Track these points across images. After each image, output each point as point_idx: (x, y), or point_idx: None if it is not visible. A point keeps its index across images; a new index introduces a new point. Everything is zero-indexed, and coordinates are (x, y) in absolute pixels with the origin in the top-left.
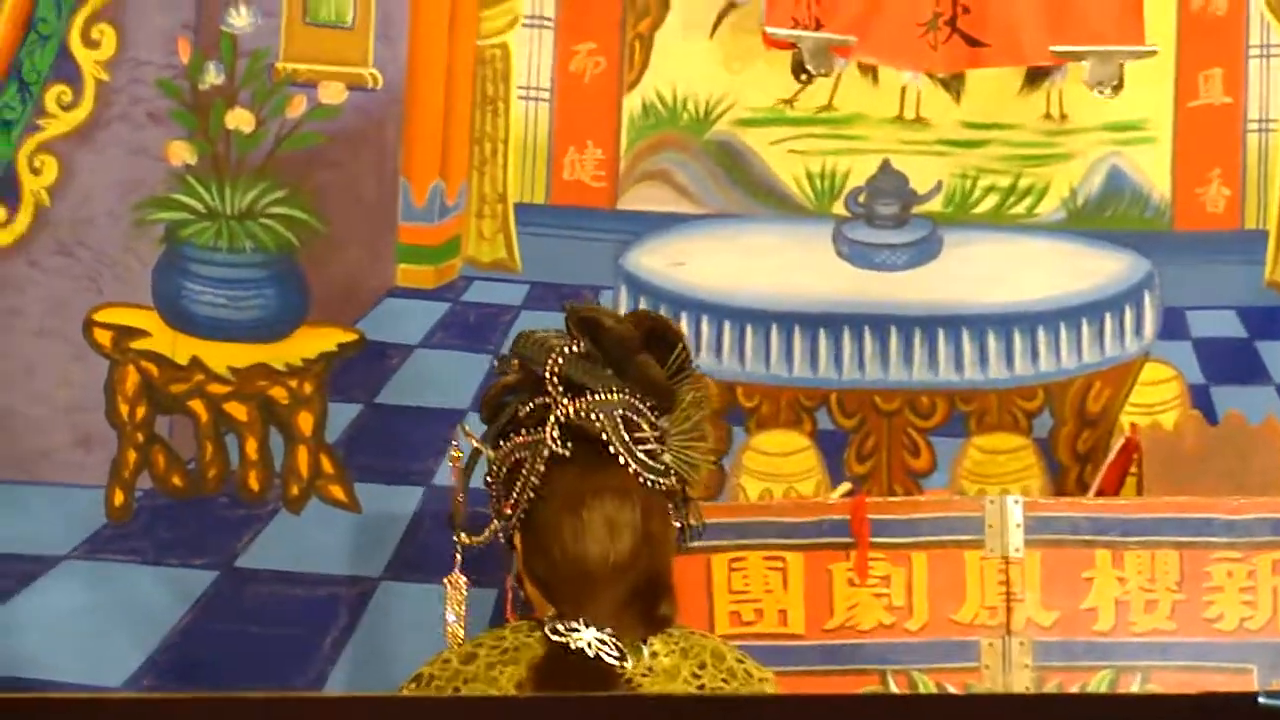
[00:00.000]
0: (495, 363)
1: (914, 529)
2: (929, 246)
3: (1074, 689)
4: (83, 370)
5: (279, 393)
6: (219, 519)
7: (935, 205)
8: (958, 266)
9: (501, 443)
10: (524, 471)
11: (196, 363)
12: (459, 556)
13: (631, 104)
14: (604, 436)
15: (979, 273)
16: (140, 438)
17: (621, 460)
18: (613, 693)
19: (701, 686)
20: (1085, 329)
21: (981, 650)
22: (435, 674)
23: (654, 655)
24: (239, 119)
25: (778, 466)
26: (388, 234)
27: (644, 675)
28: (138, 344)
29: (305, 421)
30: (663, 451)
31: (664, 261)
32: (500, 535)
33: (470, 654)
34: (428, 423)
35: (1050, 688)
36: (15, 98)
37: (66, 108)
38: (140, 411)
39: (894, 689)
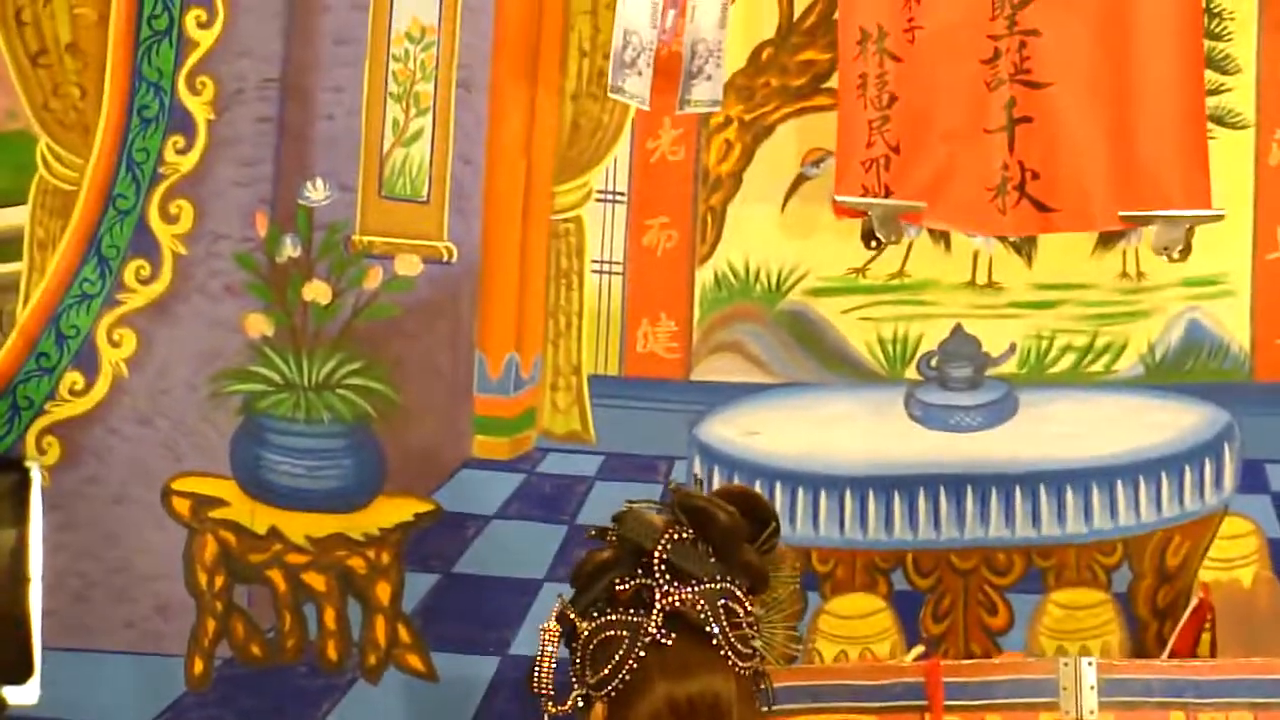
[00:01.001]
0: (591, 531)
1: (988, 691)
2: (1004, 407)
3: None
4: (162, 539)
5: (357, 563)
6: (298, 688)
7: (1010, 367)
8: (1035, 425)
9: (595, 615)
10: (620, 652)
11: (275, 532)
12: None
13: (704, 276)
14: (709, 629)
15: (1056, 430)
16: (219, 606)
17: (722, 653)
18: None
19: None
20: (1164, 483)
21: None
22: None
23: None
24: (316, 291)
25: (853, 629)
26: (464, 405)
27: None
28: (216, 513)
29: (383, 591)
30: (754, 636)
31: (738, 431)
32: (579, 702)
33: None
34: (503, 592)
35: None
36: (95, 272)
37: (145, 281)
38: (219, 580)
39: None
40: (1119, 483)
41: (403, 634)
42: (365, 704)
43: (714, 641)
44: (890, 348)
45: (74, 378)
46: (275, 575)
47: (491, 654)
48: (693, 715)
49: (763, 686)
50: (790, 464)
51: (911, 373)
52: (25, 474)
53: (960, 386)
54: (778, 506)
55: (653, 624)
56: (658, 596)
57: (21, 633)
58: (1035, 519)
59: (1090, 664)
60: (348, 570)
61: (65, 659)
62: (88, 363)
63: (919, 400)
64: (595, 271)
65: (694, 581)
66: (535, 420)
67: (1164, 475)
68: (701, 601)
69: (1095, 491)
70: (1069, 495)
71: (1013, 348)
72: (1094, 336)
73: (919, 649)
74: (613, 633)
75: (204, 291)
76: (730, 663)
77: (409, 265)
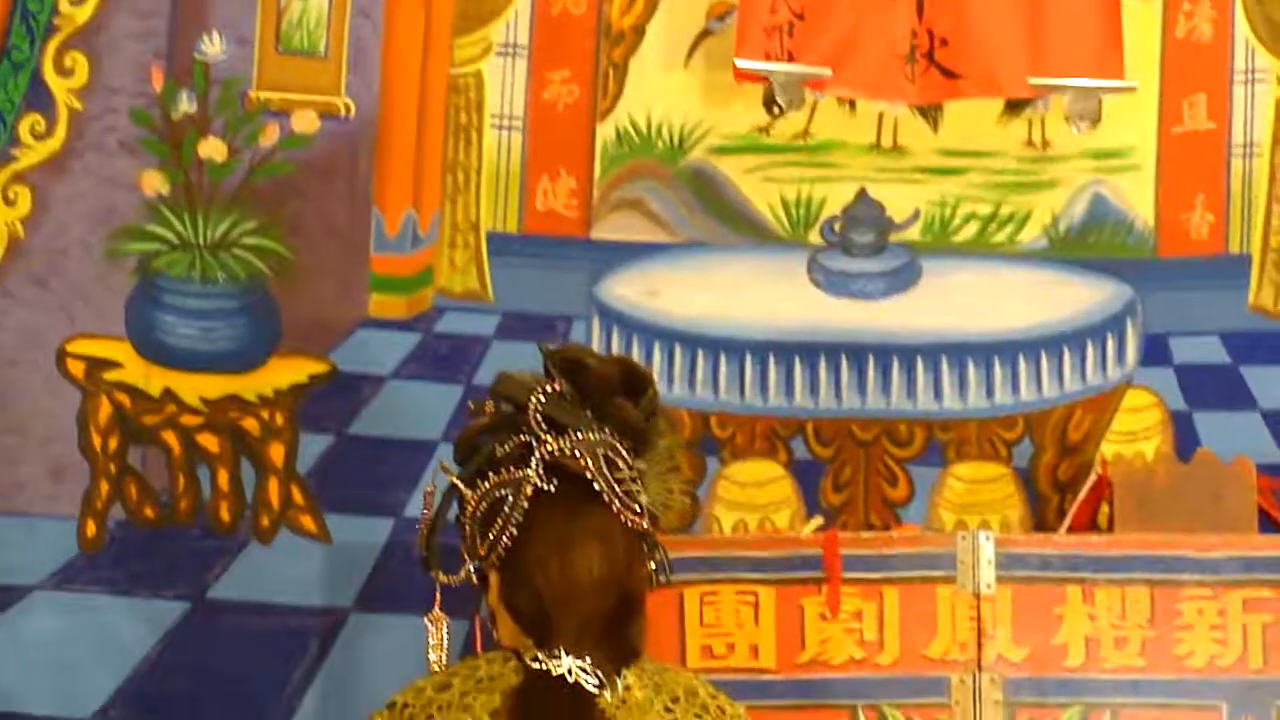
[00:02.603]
0: (470, 404)
1: (886, 564)
2: (907, 275)
3: None
4: (55, 401)
5: (250, 424)
6: (191, 550)
7: (914, 234)
8: (937, 295)
9: (479, 482)
10: (505, 509)
11: (169, 394)
12: (439, 595)
13: (605, 132)
14: (588, 474)
15: (959, 301)
16: (113, 469)
17: (605, 498)
18: None
19: None
20: (1067, 357)
21: (952, 686)
22: (409, 702)
23: (627, 689)
24: (211, 148)
25: (752, 496)
26: (360, 264)
27: (617, 708)
28: (110, 375)
29: (276, 453)
30: (639, 492)
31: (638, 291)
32: (473, 573)
33: (444, 683)
34: (399, 454)
35: None
36: None
37: (40, 137)
38: (113, 443)
39: None
40: (1021, 357)
41: (296, 496)
42: (257, 565)
43: (595, 486)
44: (793, 210)
45: None
46: (169, 437)
47: (386, 516)
48: (583, 559)
49: (656, 556)
50: (690, 326)
51: (815, 236)
52: None
53: (863, 252)
54: (677, 369)
55: (533, 474)
56: (535, 447)
57: None
58: (937, 391)
59: (988, 538)
60: (241, 431)
61: None
62: None
63: (821, 265)
64: (495, 127)
65: (570, 431)
66: (432, 279)
67: (1066, 350)
68: (580, 449)
69: (997, 365)
70: (970, 368)
71: (916, 214)
72: (998, 206)
73: (817, 521)
74: (498, 494)
75: (100, 148)
76: (615, 510)
77: (306, 122)
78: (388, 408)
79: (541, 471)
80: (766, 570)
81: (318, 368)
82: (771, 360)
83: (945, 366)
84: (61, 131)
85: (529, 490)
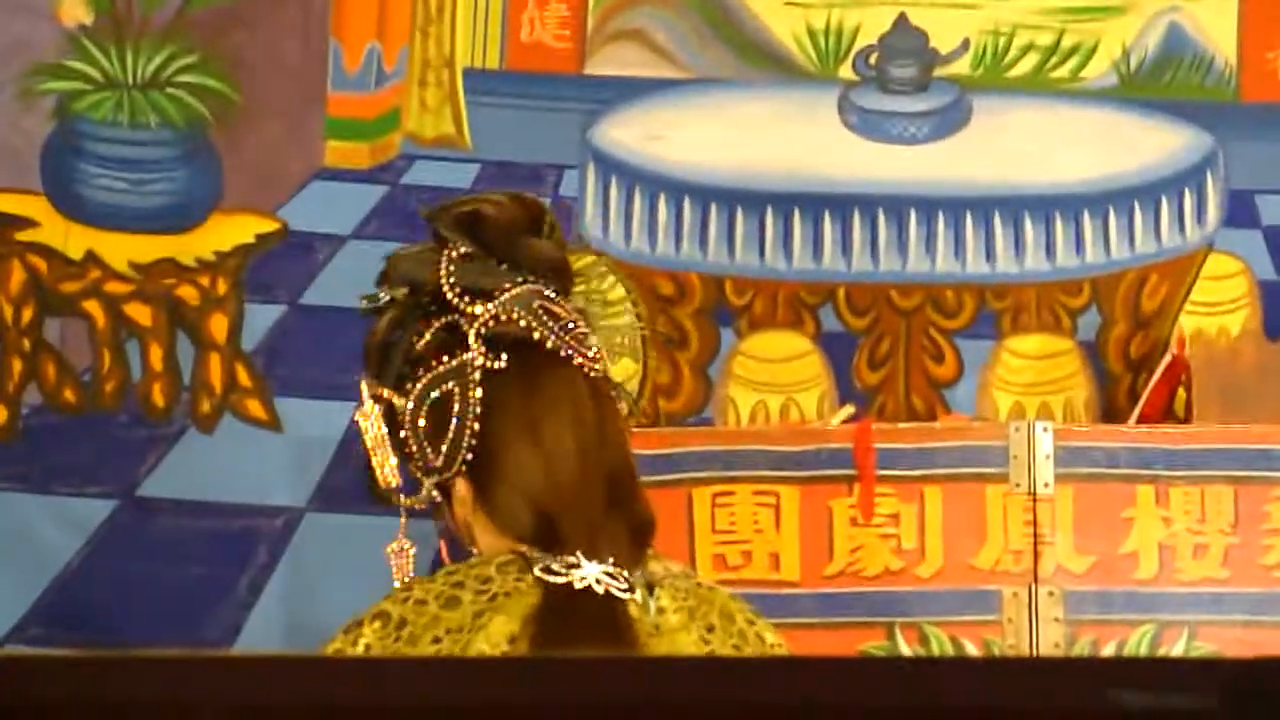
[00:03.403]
0: (362, 301)
1: (927, 459)
2: (954, 115)
3: (1110, 647)
4: None
5: (188, 292)
6: (118, 440)
7: (962, 67)
8: (989, 139)
9: (410, 385)
10: (455, 404)
11: (92, 257)
12: (404, 521)
13: None
14: (536, 334)
15: (1014, 147)
16: (26, 345)
17: (563, 354)
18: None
19: (711, 653)
20: (1138, 214)
21: (1004, 601)
22: (408, 617)
23: (660, 611)
24: None
25: (774, 374)
26: (315, 106)
27: (650, 635)
28: (23, 235)
29: (218, 326)
30: (589, 334)
31: (640, 135)
32: (435, 494)
33: (451, 596)
34: (360, 327)
35: (1083, 645)
36: None
37: None
38: (26, 314)
39: (902, 645)
40: (1086, 212)
41: (241, 376)
42: (197, 456)
43: (548, 345)
44: (822, 40)
45: None
46: (92, 307)
47: (345, 400)
48: (566, 435)
49: (615, 393)
50: (701, 175)
51: (846, 71)
52: None
53: (904, 89)
54: (685, 224)
55: (476, 353)
56: (465, 325)
57: None
58: (989, 252)
59: (1046, 429)
60: (177, 301)
61: None
62: None
63: (855, 104)
64: None
65: (495, 293)
66: (400, 122)
67: (1138, 205)
68: (515, 309)
69: (1059, 221)
70: (1028, 225)
71: (965, 44)
72: (1060, 35)
73: (848, 410)
74: (439, 390)
75: None
76: (577, 364)
77: None
78: (348, 272)
79: (483, 348)
80: (789, 466)
81: (266, 226)
82: (796, 215)
83: (998, 223)
84: None
85: (476, 374)
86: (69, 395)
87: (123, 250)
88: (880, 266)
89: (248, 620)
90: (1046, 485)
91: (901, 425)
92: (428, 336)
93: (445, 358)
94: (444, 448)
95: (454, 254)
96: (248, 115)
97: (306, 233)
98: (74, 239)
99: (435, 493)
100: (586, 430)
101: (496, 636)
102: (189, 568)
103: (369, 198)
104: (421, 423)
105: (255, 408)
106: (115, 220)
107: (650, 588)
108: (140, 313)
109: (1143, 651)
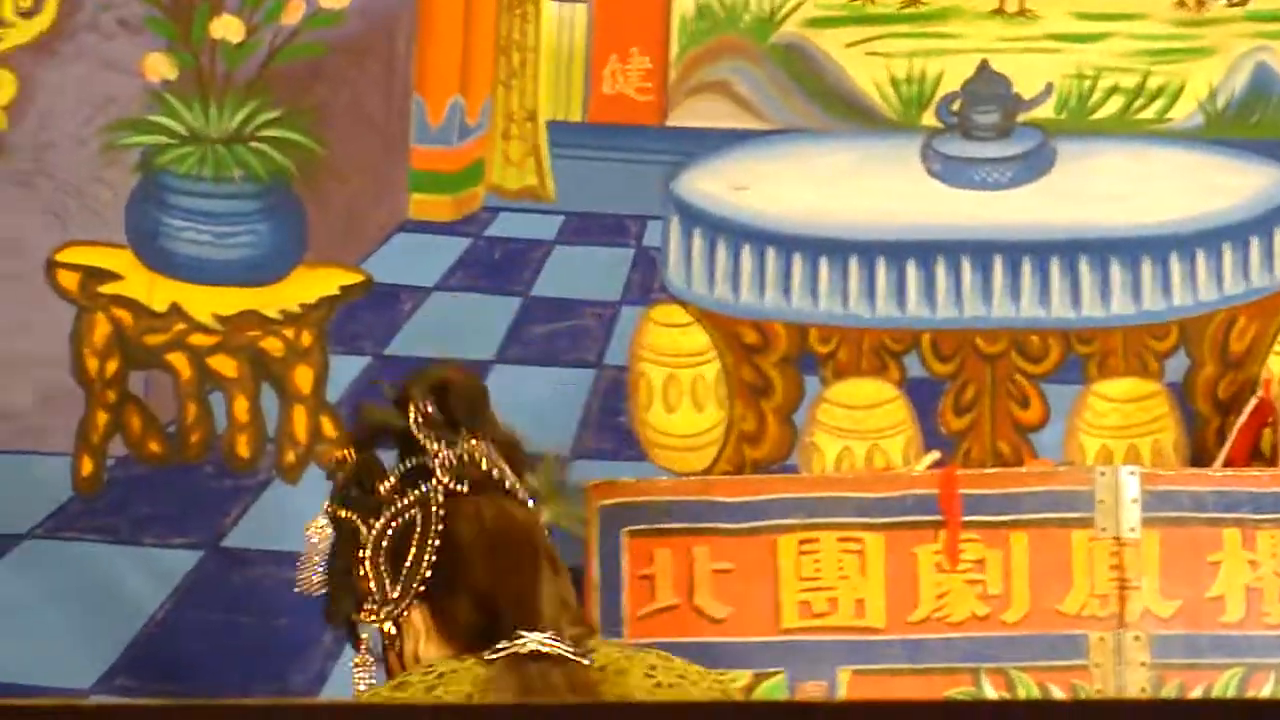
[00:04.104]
0: (333, 461)
1: (1013, 505)
2: (1039, 160)
3: (1197, 691)
4: (45, 318)
5: (272, 344)
6: (203, 491)
7: (1046, 112)
8: (1074, 183)
9: (373, 519)
10: (418, 531)
11: (176, 310)
12: (364, 637)
13: (683, 4)
14: (494, 473)
15: (1100, 190)
16: (111, 397)
17: (507, 487)
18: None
19: (658, 685)
20: (1227, 255)
21: (1090, 646)
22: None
23: (604, 659)
24: (226, 27)
25: (859, 421)
26: (399, 159)
27: (599, 677)
28: (108, 288)
29: (303, 377)
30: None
31: (723, 186)
32: (392, 627)
33: (402, 683)
34: None
35: (1170, 689)
36: None
37: (26, 14)
38: (111, 367)
39: (988, 690)
40: (1173, 254)
41: (326, 426)
42: (281, 508)
43: (505, 484)
44: (904, 88)
45: None
46: (177, 359)
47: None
48: (511, 544)
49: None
50: (785, 225)
51: (929, 118)
52: None
53: (987, 135)
54: (769, 274)
55: (438, 481)
56: (430, 462)
57: None
58: (1075, 296)
59: (1132, 473)
60: (262, 353)
61: None
62: None
63: (938, 151)
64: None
65: (459, 441)
66: (483, 175)
67: (1226, 246)
68: (476, 452)
69: (1145, 264)
70: (1114, 268)
71: (1049, 89)
72: (1145, 77)
73: (933, 455)
74: (404, 519)
75: (95, 27)
76: (522, 499)
77: None
78: (431, 324)
79: (447, 480)
80: (874, 513)
81: (350, 278)
82: (881, 263)
83: (1084, 267)
84: (51, 8)
85: (440, 499)
86: (154, 447)
87: (207, 303)
88: (965, 312)
89: (333, 669)
90: (1133, 530)
91: (986, 470)
92: (392, 481)
93: (410, 491)
94: (403, 575)
95: (423, 408)
96: (332, 169)
97: (391, 284)
98: (158, 292)
99: (390, 627)
100: (539, 540)
101: (452, 697)
102: (274, 618)
103: (453, 250)
104: (384, 550)
105: None
106: (199, 273)
107: (587, 646)
108: (225, 365)
109: (1230, 695)
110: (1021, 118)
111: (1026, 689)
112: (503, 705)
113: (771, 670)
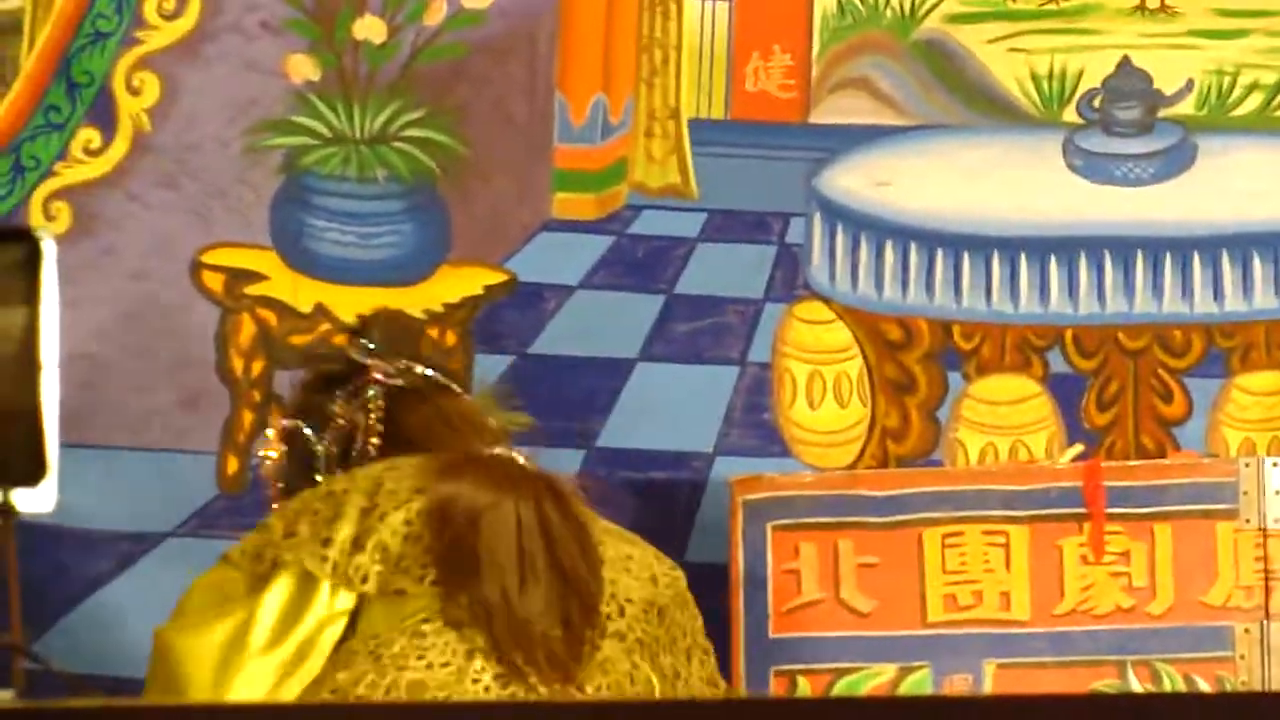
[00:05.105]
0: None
1: (1157, 497)
2: (1180, 156)
3: None
4: (190, 319)
5: None
6: None
7: (1187, 108)
8: (1215, 178)
9: (323, 435)
10: (361, 428)
11: (321, 310)
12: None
13: (825, 1)
14: (430, 374)
15: (1240, 186)
16: (257, 396)
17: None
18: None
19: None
20: None
21: (1236, 637)
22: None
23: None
24: (369, 28)
25: (1003, 417)
26: (542, 158)
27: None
28: (253, 289)
29: None
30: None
31: (865, 182)
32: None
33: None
34: (589, 375)
35: None
36: (110, 6)
37: (169, 17)
38: (256, 367)
39: (1134, 682)
40: None
41: None
42: None
43: (442, 383)
44: (1045, 84)
45: (89, 135)
46: None
47: (576, 448)
48: (455, 420)
49: None
50: (927, 221)
51: (1070, 114)
52: (35, 245)
53: (1128, 131)
54: (912, 270)
55: (377, 380)
56: (369, 370)
57: (33, 429)
58: (1217, 291)
59: (1276, 465)
60: None
61: (74, 457)
62: (104, 116)
63: (1079, 147)
64: None
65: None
66: (626, 173)
67: None
68: (415, 363)
69: None
70: (1256, 262)
71: (1190, 85)
72: None
73: (1077, 448)
74: (349, 422)
75: (238, 29)
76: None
77: None
78: (576, 322)
79: (383, 376)
80: (1019, 506)
81: (494, 277)
82: (1023, 258)
83: (1226, 261)
84: (194, 10)
85: (380, 402)
86: None
87: (351, 303)
88: (1107, 308)
89: None
90: (1277, 521)
91: (1130, 463)
92: (339, 397)
93: (353, 401)
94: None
95: (358, 340)
96: (475, 168)
97: (534, 283)
98: (303, 292)
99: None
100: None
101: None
102: None
103: (596, 248)
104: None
105: None
106: (343, 273)
107: None
108: None
109: None
110: (1162, 114)
111: (1172, 680)
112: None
113: (917, 664)
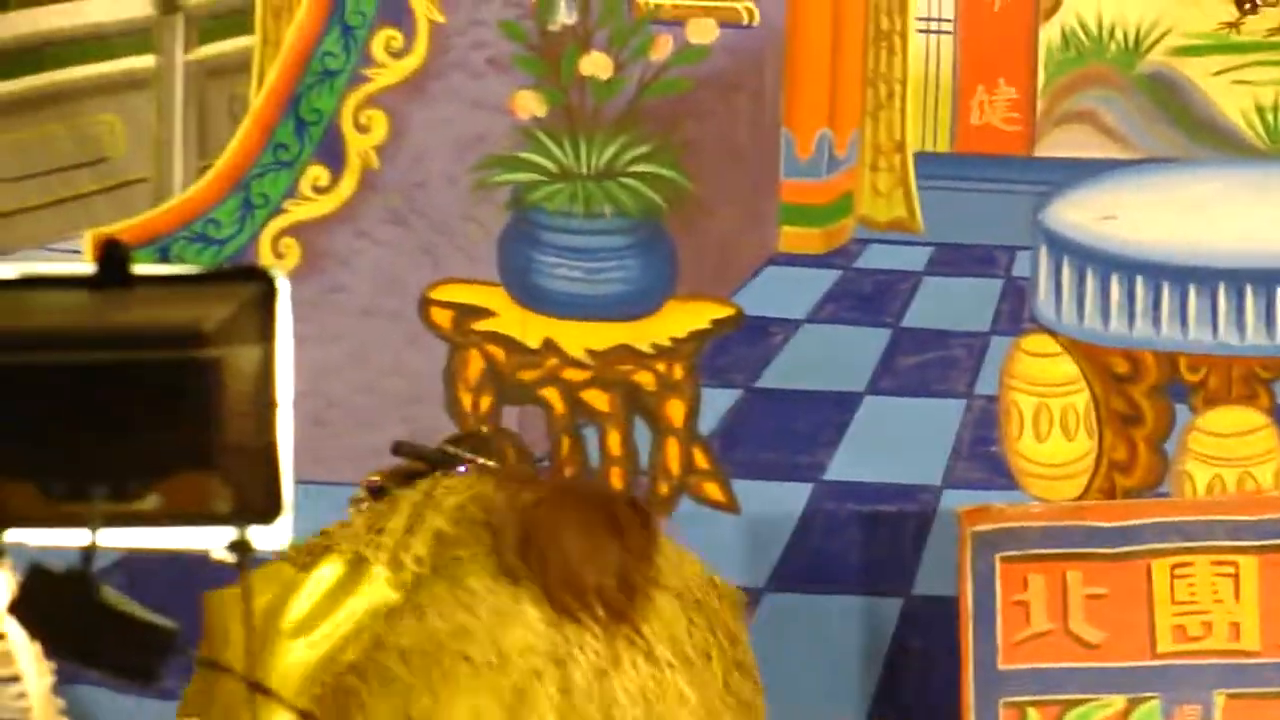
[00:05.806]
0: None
1: None
2: None
3: None
4: (417, 355)
5: (645, 378)
6: None
7: None
8: None
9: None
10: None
11: (549, 345)
12: None
13: (1050, 34)
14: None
15: None
16: (485, 432)
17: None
18: None
19: None
20: None
21: None
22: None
23: None
24: (595, 64)
25: (1230, 449)
26: (768, 192)
27: None
28: (482, 325)
29: (675, 410)
30: None
31: (1091, 215)
32: None
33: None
34: (817, 409)
35: None
36: (338, 44)
37: (397, 55)
38: (485, 402)
39: None
40: None
41: (699, 459)
42: None
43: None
44: (1270, 116)
45: (317, 172)
46: (550, 394)
47: (803, 481)
48: None
49: None
50: (1153, 254)
51: None
52: (270, 283)
53: None
54: (1138, 303)
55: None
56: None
57: (270, 466)
58: None
59: None
60: (634, 387)
61: (303, 493)
62: (332, 153)
63: None
64: (921, 31)
65: None
66: (852, 207)
67: None
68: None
69: None
70: None
71: None
72: None
73: None
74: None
75: (465, 66)
76: None
77: (703, 31)
78: (803, 355)
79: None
80: (1248, 536)
81: (721, 311)
82: (1249, 291)
83: None
84: (421, 48)
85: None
86: None
87: (579, 338)
88: None
89: None
90: None
91: None
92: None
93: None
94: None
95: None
96: (701, 203)
97: (761, 317)
98: (531, 328)
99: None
100: None
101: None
102: None
103: (823, 282)
104: None
105: (713, 490)
106: (571, 308)
107: None
108: (598, 399)
109: None
110: None
111: None
112: None
113: (1146, 695)
